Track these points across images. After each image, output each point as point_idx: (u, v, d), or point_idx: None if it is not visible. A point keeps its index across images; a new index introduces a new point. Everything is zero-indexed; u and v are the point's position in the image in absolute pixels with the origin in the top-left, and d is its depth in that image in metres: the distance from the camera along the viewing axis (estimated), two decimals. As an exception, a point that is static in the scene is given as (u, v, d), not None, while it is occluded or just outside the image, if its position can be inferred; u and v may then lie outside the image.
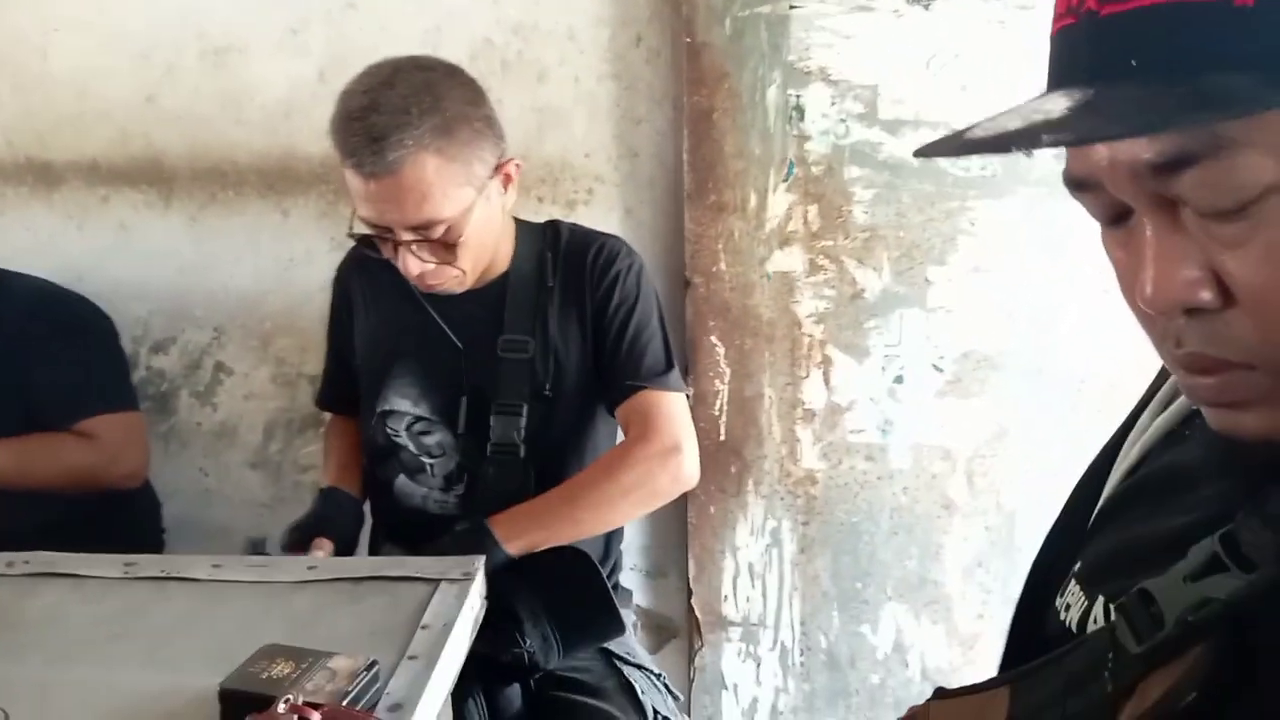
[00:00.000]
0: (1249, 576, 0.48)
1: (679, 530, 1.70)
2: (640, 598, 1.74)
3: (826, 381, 1.62)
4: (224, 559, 1.13)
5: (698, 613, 1.69)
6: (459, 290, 1.28)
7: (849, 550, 1.65)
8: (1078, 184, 0.51)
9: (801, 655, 1.69)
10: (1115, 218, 0.51)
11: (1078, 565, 0.65)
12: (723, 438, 1.64)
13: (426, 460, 1.36)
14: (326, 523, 1.30)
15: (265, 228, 1.72)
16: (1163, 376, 0.68)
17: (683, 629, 1.75)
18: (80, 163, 1.76)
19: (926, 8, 1.50)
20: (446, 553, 1.15)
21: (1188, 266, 0.47)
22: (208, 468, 1.85)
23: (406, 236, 1.20)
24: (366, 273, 1.40)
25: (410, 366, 1.35)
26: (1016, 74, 1.50)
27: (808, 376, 1.62)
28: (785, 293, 1.60)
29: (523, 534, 1.21)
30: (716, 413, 1.64)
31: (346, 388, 1.47)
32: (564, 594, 1.19)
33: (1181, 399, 0.62)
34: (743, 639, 1.69)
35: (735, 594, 1.68)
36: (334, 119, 1.19)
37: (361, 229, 1.24)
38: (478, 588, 1.05)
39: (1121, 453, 0.69)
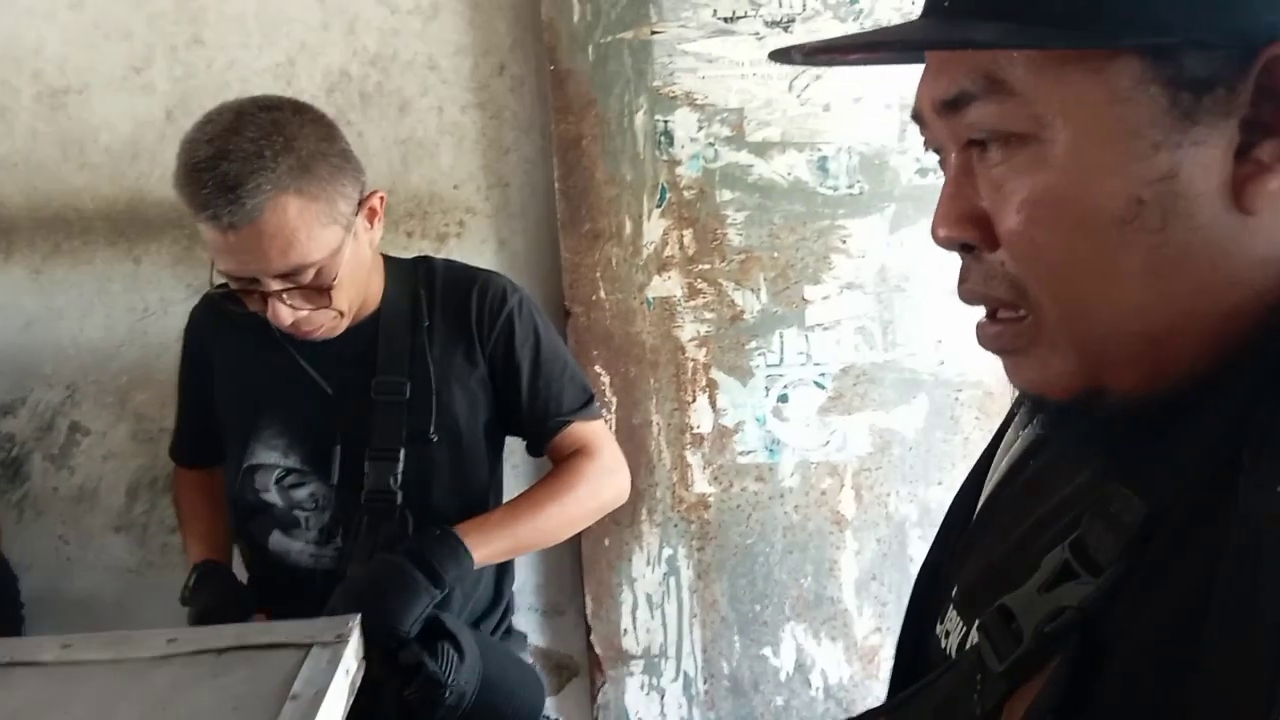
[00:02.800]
0: (1097, 580, 0.50)
1: (574, 566, 1.66)
2: (537, 638, 1.69)
3: (713, 404, 1.61)
4: (74, 638, 1.04)
5: (597, 649, 1.65)
6: (334, 335, 1.22)
7: (745, 573, 1.64)
8: (916, 117, 0.56)
9: (705, 683, 1.66)
10: (941, 156, 0.55)
11: (954, 589, 0.65)
12: (612, 468, 1.61)
13: (300, 513, 1.30)
14: (220, 614, 1.21)
15: (116, 277, 1.62)
16: None
17: (583, 666, 1.70)
18: (-92, 216, 1.63)
19: (786, 29, 1.52)
20: (395, 566, 1.13)
21: (963, 205, 0.52)
22: (67, 535, 1.72)
23: (275, 286, 1.13)
24: (223, 320, 1.31)
25: (278, 417, 1.28)
26: (878, 91, 1.53)
27: (694, 401, 1.61)
28: (666, 318, 1.59)
29: (490, 542, 1.21)
30: (604, 443, 1.61)
31: (203, 440, 1.39)
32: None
33: None
34: (645, 671, 1.66)
35: (635, 626, 1.65)
36: (179, 172, 1.11)
37: (221, 281, 1.17)
38: (353, 650, 0.99)
39: (991, 467, 0.70)
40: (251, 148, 1.08)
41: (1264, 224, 0.47)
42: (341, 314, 1.20)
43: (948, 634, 0.63)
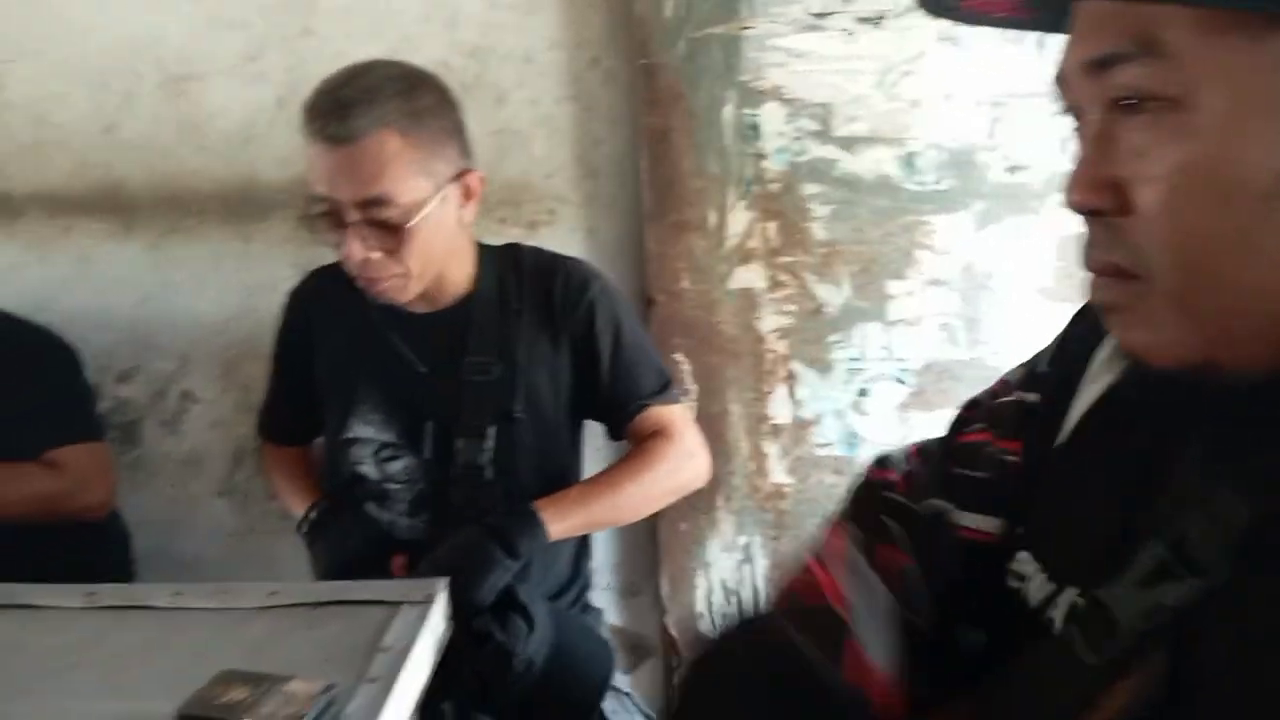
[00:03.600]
0: (1196, 583, 0.49)
1: (651, 548, 1.70)
2: (613, 617, 1.74)
3: (792, 396, 1.63)
4: (184, 586, 1.12)
5: (672, 631, 1.69)
6: (403, 299, 1.26)
7: (819, 564, 1.66)
8: (1058, 79, 0.54)
9: (774, 670, 1.69)
10: (1079, 120, 0.54)
11: (1022, 529, 0.64)
12: (690, 454, 1.65)
13: (392, 486, 1.36)
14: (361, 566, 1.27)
15: (227, 255, 1.72)
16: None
17: (657, 647, 1.74)
18: (40, 193, 1.75)
19: (877, 25, 1.53)
20: (475, 540, 1.19)
21: (1103, 169, 0.50)
22: (176, 497, 1.83)
23: (354, 216, 1.18)
24: (325, 300, 1.40)
25: (374, 393, 1.35)
26: (966, 88, 1.53)
27: (773, 392, 1.63)
28: (748, 309, 1.62)
29: (566, 517, 1.26)
30: (683, 429, 1.65)
31: (293, 416, 1.47)
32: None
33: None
34: (715, 655, 1.69)
35: (710, 611, 1.69)
36: (307, 100, 1.20)
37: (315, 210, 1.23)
38: (439, 609, 1.05)
39: (1079, 393, 0.67)
40: (374, 83, 1.19)
41: None
42: (408, 275, 1.23)
43: (1022, 578, 0.62)
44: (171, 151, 1.70)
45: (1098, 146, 0.51)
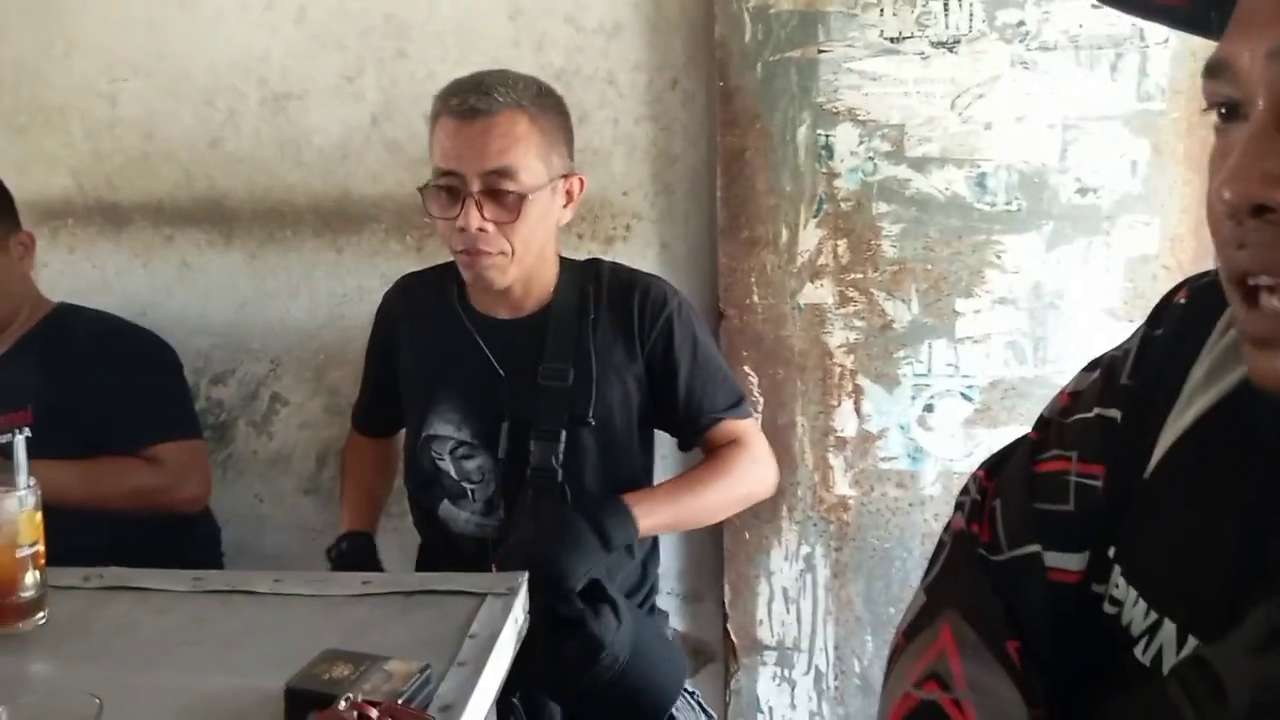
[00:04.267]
0: None
1: (714, 555, 1.75)
2: (676, 621, 1.78)
3: (857, 410, 1.66)
4: (284, 574, 1.20)
5: (733, 636, 1.73)
6: (500, 282, 1.33)
7: (881, 575, 1.69)
8: (1214, 68, 0.51)
9: (836, 679, 1.72)
10: (1231, 111, 0.51)
11: (1114, 549, 0.62)
12: (757, 465, 1.69)
13: (468, 485, 1.42)
14: None
15: (320, 265, 1.82)
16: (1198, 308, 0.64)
17: (719, 653, 1.78)
18: (147, 204, 1.86)
19: (952, 49, 1.56)
20: (570, 522, 1.25)
21: (1273, 161, 0.46)
22: (263, 494, 1.93)
23: (476, 186, 1.27)
24: (412, 303, 1.49)
25: (453, 393, 1.42)
26: (1038, 110, 1.55)
27: (839, 405, 1.67)
28: (816, 324, 1.66)
29: (654, 514, 1.32)
30: (751, 440, 1.69)
31: (381, 410, 1.56)
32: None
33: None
34: (778, 663, 1.73)
35: (770, 618, 1.72)
36: (445, 87, 1.32)
37: (434, 182, 1.31)
38: (521, 601, 1.11)
39: (1175, 411, 0.63)
40: (509, 76, 1.32)
41: None
42: (511, 254, 1.31)
43: (1117, 603, 0.60)
44: (271, 166, 1.80)
45: (1270, 137, 0.47)
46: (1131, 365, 0.67)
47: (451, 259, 1.42)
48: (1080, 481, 0.67)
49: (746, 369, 1.68)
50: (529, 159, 1.29)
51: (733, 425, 1.43)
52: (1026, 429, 0.74)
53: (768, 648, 1.72)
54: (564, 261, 1.45)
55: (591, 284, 1.42)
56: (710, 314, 1.70)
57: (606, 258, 1.71)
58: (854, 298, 1.64)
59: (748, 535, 1.71)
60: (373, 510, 1.56)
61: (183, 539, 1.66)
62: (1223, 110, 0.51)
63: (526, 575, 1.14)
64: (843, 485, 1.68)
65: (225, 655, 1.02)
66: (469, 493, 1.43)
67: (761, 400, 1.68)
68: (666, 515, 1.34)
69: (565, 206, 1.38)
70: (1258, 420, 0.55)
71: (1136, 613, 0.58)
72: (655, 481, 1.48)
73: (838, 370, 1.66)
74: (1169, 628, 0.55)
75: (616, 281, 1.43)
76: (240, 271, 1.85)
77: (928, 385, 1.64)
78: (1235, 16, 0.50)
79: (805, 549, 1.70)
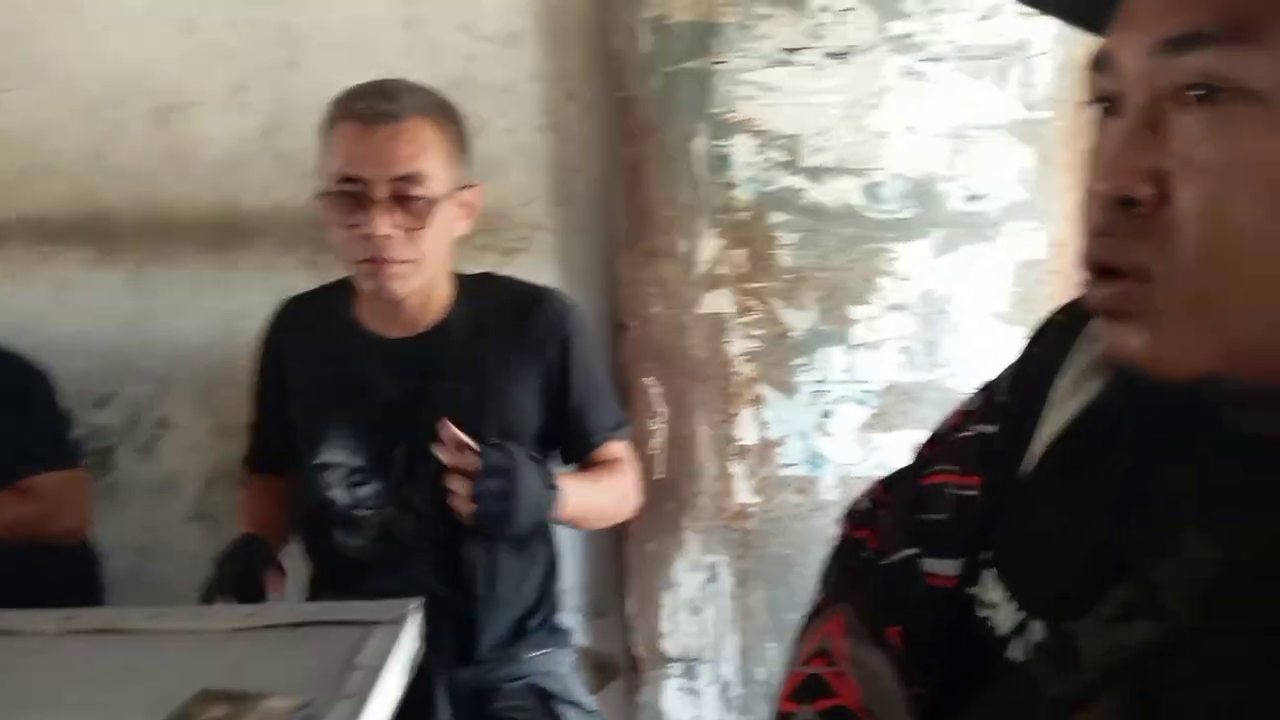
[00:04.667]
0: (1160, 626, 0.49)
1: (617, 568, 1.74)
2: (579, 638, 1.76)
3: (758, 418, 1.67)
4: (162, 610, 1.15)
5: (638, 650, 1.72)
6: (403, 292, 1.29)
7: (784, 582, 1.70)
8: (1098, 63, 0.52)
9: (742, 688, 1.72)
10: (1112, 106, 0.52)
11: (988, 554, 0.64)
12: (659, 476, 1.69)
13: (362, 512, 1.37)
14: (234, 583, 1.28)
15: (208, 282, 1.75)
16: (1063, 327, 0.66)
17: (624, 667, 1.77)
18: (26, 220, 1.77)
19: (844, 60, 1.58)
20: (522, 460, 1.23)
21: (1144, 156, 0.48)
22: (149, 522, 1.85)
23: (383, 192, 1.23)
24: (299, 326, 1.43)
25: (345, 418, 1.37)
26: (928, 120, 1.58)
27: (740, 414, 1.67)
28: (716, 333, 1.66)
29: (576, 495, 1.31)
30: (653, 452, 1.68)
31: (276, 447, 1.48)
32: None
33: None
34: (684, 674, 1.72)
35: (675, 630, 1.72)
36: (343, 92, 1.30)
37: (331, 189, 1.26)
38: (411, 630, 1.08)
39: (1046, 420, 0.65)
40: (411, 83, 1.31)
41: None
42: (419, 261, 1.27)
43: (989, 606, 0.62)
44: (157, 179, 1.73)
45: (1141, 133, 0.48)
46: (1009, 383, 0.71)
47: (337, 279, 1.38)
48: (958, 493, 0.70)
49: (648, 380, 1.67)
50: (436, 165, 1.27)
51: (616, 445, 1.44)
52: (919, 432, 0.77)
53: (673, 660, 1.72)
54: (457, 277, 1.42)
55: (487, 299, 1.40)
56: (611, 325, 1.69)
57: (507, 269, 1.69)
58: (753, 307, 1.65)
59: (651, 547, 1.70)
60: (274, 529, 1.47)
61: (59, 571, 1.58)
62: (1104, 104, 0.52)
63: (419, 602, 1.11)
64: (744, 493, 1.69)
65: (98, 699, 0.97)
66: (363, 520, 1.38)
67: (664, 410, 1.68)
68: (583, 500, 1.33)
69: (463, 219, 1.35)
70: (1122, 419, 0.57)
71: (1006, 614, 0.60)
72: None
73: (738, 379, 1.67)
74: (1036, 626, 0.57)
75: (513, 295, 1.41)
76: (123, 290, 1.77)
77: (826, 392, 1.65)
78: (1121, 12, 0.51)
79: (709, 558, 1.70)
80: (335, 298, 1.42)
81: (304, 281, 1.56)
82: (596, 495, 1.38)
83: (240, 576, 1.28)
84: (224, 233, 1.73)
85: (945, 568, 0.69)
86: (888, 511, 0.75)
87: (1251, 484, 0.49)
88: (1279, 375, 0.48)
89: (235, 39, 1.68)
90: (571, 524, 1.39)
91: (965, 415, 0.74)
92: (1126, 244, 0.49)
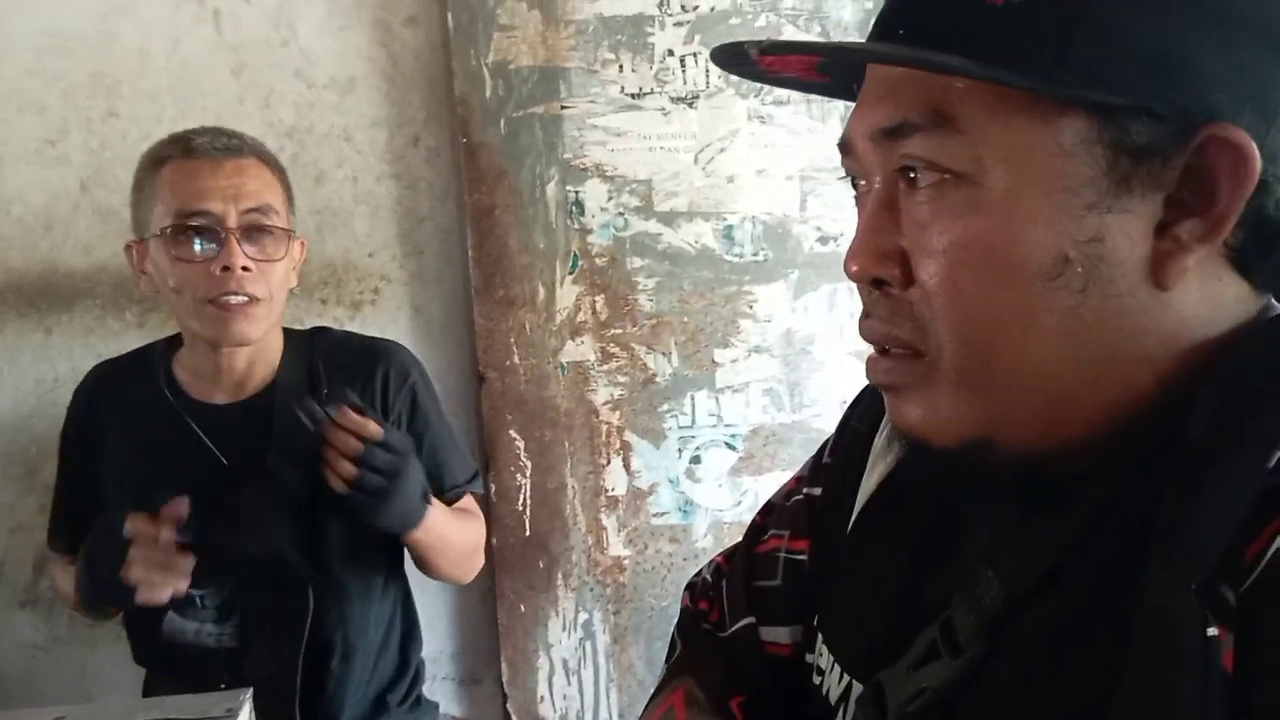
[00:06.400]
0: (956, 662, 0.50)
1: (489, 633, 1.66)
2: (453, 708, 1.68)
3: (627, 467, 1.63)
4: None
5: (514, 717, 1.64)
6: (253, 335, 1.21)
7: (661, 635, 1.65)
8: (843, 145, 0.54)
9: (622, 748, 1.66)
10: (863, 186, 0.54)
11: (817, 618, 0.65)
12: (528, 532, 1.62)
13: (195, 592, 1.25)
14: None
15: (26, 348, 1.61)
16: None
17: (502, 734, 1.69)
18: None
19: (691, 105, 1.57)
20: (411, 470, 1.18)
21: (885, 239, 0.50)
22: (-29, 611, 1.68)
23: (235, 222, 1.18)
24: (113, 397, 1.31)
25: (173, 491, 1.22)
26: (779, 164, 1.59)
27: (609, 464, 1.63)
28: (580, 382, 1.62)
29: (432, 525, 1.24)
30: (520, 507, 1.62)
31: (81, 525, 1.31)
32: None
33: None
34: (562, 738, 1.66)
35: (551, 693, 1.65)
36: (160, 143, 1.23)
37: (170, 224, 1.18)
38: (242, 722, 0.99)
39: (863, 481, 0.67)
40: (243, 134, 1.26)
41: (1174, 301, 0.47)
42: (269, 300, 1.21)
43: (821, 672, 0.63)
44: (-38, 240, 1.59)
45: (881, 216, 0.51)
46: (832, 445, 0.72)
47: (147, 344, 1.28)
48: (789, 558, 0.71)
49: (512, 433, 1.61)
50: (280, 204, 1.24)
51: (470, 500, 1.38)
52: (787, 474, 0.77)
53: (551, 724, 1.65)
54: (287, 333, 1.33)
55: (321, 356, 1.31)
56: (469, 377, 1.63)
57: (354, 322, 1.62)
58: (615, 353, 1.62)
59: (523, 608, 1.63)
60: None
61: None
62: (854, 182, 0.55)
63: (250, 693, 1.02)
64: (617, 545, 1.64)
65: None
66: (198, 600, 1.27)
67: (529, 464, 1.62)
68: (442, 529, 1.26)
69: (293, 270, 1.28)
70: (921, 475, 0.58)
71: (833, 679, 0.61)
72: (407, 563, 1.38)
73: (604, 428, 1.63)
74: (858, 689, 0.58)
75: (350, 351, 1.33)
76: (-70, 360, 1.62)
77: (693, 437, 1.63)
78: (859, 97, 0.53)
79: (583, 615, 1.64)
80: (149, 365, 1.31)
81: (133, 344, 1.44)
82: (455, 531, 1.31)
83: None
84: (40, 295, 1.60)
85: (780, 635, 0.69)
86: (727, 581, 0.75)
87: (1027, 522, 0.51)
88: (1039, 438, 0.50)
89: (44, 89, 1.56)
90: (421, 550, 1.29)
91: (798, 480, 0.75)
92: (888, 324, 0.51)
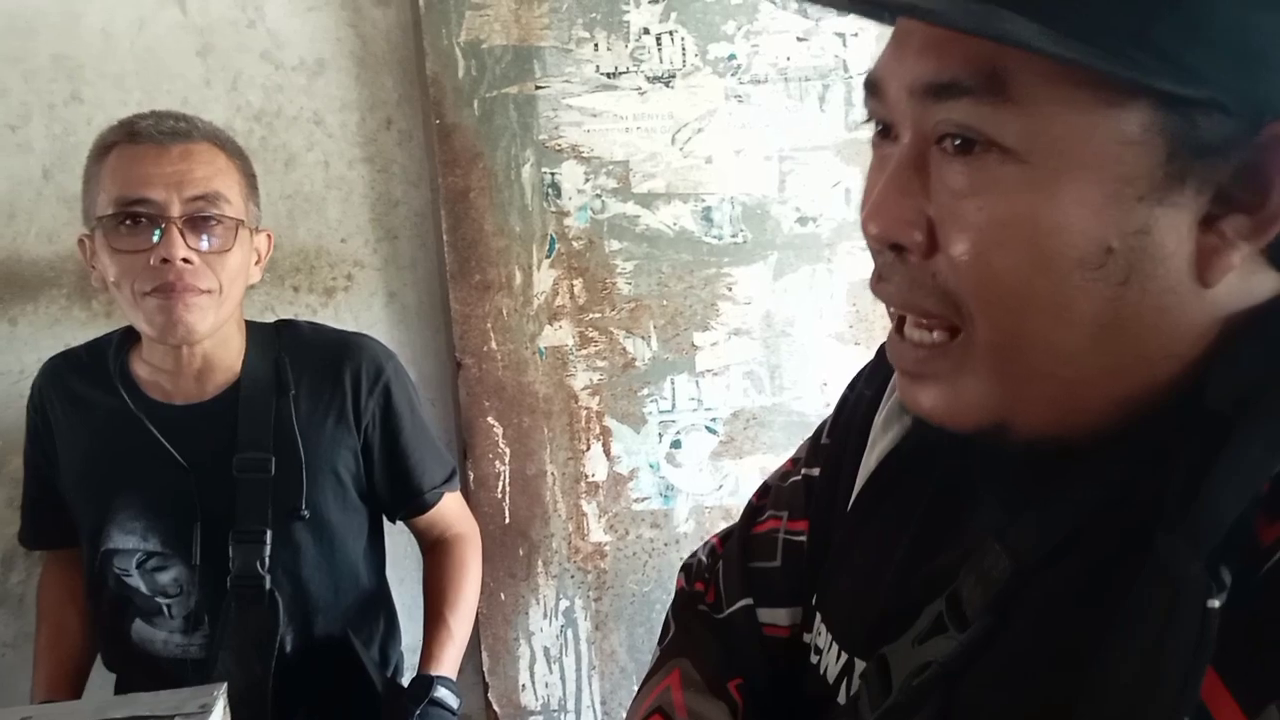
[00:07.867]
0: (961, 635, 0.50)
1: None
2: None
3: (607, 452, 1.61)
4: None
5: (495, 706, 1.63)
6: (201, 329, 1.14)
7: (643, 621, 1.64)
8: (872, 85, 0.50)
9: (605, 735, 1.65)
10: (886, 130, 0.50)
11: (816, 597, 0.65)
12: (508, 520, 1.61)
13: (162, 600, 1.22)
14: None
15: (-11, 339, 1.58)
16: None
17: (483, 723, 1.68)
18: None
19: (668, 84, 1.55)
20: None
21: (910, 202, 0.47)
22: (-61, 609, 1.65)
23: (178, 211, 1.11)
24: (67, 393, 1.25)
25: (133, 496, 1.20)
26: (757, 144, 1.57)
27: (589, 449, 1.61)
28: (559, 367, 1.60)
29: (456, 658, 1.30)
30: (499, 495, 1.60)
31: (52, 519, 1.30)
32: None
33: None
34: (544, 726, 1.64)
35: (533, 681, 1.64)
36: (109, 129, 1.17)
37: (110, 211, 1.13)
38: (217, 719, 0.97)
39: (863, 460, 0.65)
40: (199, 119, 1.20)
41: (1212, 298, 0.45)
42: (218, 293, 1.15)
43: (819, 651, 0.62)
44: (-79, 229, 1.55)
45: (907, 176, 0.47)
46: (830, 425, 0.71)
47: (103, 335, 1.25)
48: (787, 539, 0.70)
49: (490, 419, 1.59)
50: (232, 191, 1.16)
51: (450, 499, 1.36)
52: (768, 457, 0.80)
53: (533, 713, 1.63)
54: (251, 327, 1.27)
55: (287, 352, 1.25)
56: (446, 363, 1.60)
57: (327, 310, 1.60)
58: (594, 338, 1.60)
59: (503, 596, 1.62)
60: (74, 672, 1.30)
61: None
62: (879, 126, 0.51)
63: (224, 688, 0.99)
64: (597, 532, 1.62)
65: None
66: (165, 609, 1.22)
67: (508, 451, 1.60)
68: (457, 650, 1.31)
69: (256, 264, 1.22)
70: (922, 455, 0.58)
71: (831, 658, 0.61)
72: (388, 568, 1.36)
73: (584, 413, 1.61)
74: (859, 666, 0.58)
75: (319, 346, 1.27)
76: (-110, 353, 1.58)
77: (673, 421, 1.61)
78: (892, 34, 0.49)
79: (564, 603, 1.63)
80: (104, 360, 1.25)
81: (100, 334, 1.41)
82: (461, 622, 1.34)
83: None
84: (4, 286, 1.56)
85: (779, 617, 0.69)
86: (723, 562, 0.75)
87: (1037, 496, 0.50)
88: (1053, 422, 0.48)
89: (4, 73, 1.52)
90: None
91: (794, 462, 0.74)
92: (909, 293, 0.49)
